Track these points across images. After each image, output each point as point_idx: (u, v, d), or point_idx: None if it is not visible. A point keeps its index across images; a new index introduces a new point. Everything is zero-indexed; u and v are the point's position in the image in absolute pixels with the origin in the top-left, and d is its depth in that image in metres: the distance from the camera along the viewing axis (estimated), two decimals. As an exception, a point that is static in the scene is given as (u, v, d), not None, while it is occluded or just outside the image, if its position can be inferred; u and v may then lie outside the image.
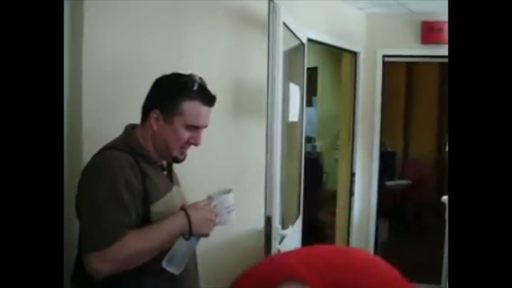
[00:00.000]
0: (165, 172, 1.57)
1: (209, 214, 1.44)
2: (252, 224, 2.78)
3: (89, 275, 1.32)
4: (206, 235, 1.45)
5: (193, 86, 1.45)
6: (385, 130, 4.44)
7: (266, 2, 2.31)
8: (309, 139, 5.42)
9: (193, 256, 1.61)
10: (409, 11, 4.09)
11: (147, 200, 1.39)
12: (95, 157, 1.42)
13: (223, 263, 2.80)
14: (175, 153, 1.50)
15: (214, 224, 1.46)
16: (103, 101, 1.99)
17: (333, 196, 4.85)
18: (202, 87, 1.49)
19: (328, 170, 5.66)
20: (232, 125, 2.70)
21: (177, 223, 1.39)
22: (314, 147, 5.82)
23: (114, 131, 1.56)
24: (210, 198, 1.47)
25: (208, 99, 1.50)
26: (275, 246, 2.33)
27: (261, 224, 2.35)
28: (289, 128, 2.98)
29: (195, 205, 1.45)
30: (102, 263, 1.27)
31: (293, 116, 3.04)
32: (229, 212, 1.49)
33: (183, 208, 1.42)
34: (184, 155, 1.54)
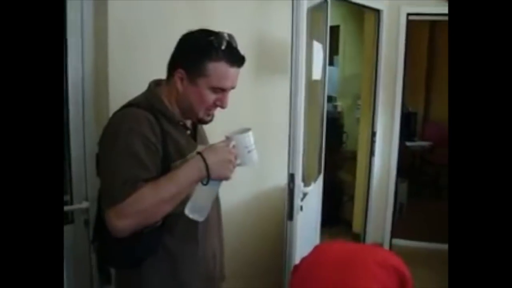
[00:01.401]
0: (188, 132, 1.52)
1: (228, 155, 1.35)
2: (276, 181, 2.82)
3: (111, 238, 1.31)
4: (226, 177, 1.37)
5: (220, 45, 1.36)
6: (406, 91, 4.37)
7: (291, -42, 2.26)
8: (330, 99, 5.37)
9: (217, 204, 1.61)
10: (435, -34, 3.96)
11: (167, 158, 1.36)
12: (115, 114, 1.40)
13: (247, 219, 2.87)
14: (201, 114, 1.45)
15: (234, 166, 1.38)
16: (129, 62, 2.01)
17: (353, 156, 4.87)
18: (230, 46, 1.40)
19: (349, 130, 5.64)
20: (255, 83, 2.70)
21: (194, 168, 1.32)
22: (335, 106, 5.78)
23: (140, 91, 1.53)
24: (228, 139, 1.39)
25: (236, 59, 1.41)
26: (298, 203, 2.37)
27: (284, 181, 2.38)
28: (311, 86, 2.97)
29: (211, 147, 1.37)
30: (122, 218, 1.25)
31: (316, 75, 3.02)
32: (249, 152, 1.40)
33: (199, 152, 1.35)
34: (211, 116, 1.48)
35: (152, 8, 2.08)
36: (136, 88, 1.55)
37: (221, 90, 1.42)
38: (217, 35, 1.39)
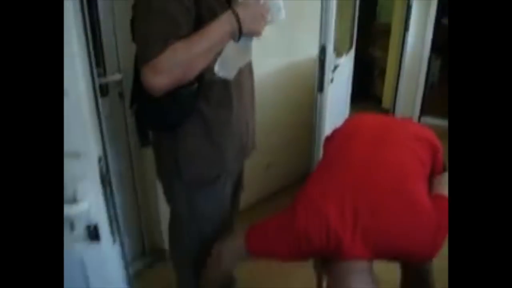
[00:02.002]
0: None
1: (259, 9, 1.37)
2: (307, 52, 2.79)
3: (148, 101, 1.35)
4: (257, 33, 1.40)
5: None
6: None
7: None
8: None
9: (250, 73, 1.63)
10: None
11: (200, 19, 1.35)
12: None
13: (278, 90, 2.90)
14: None
15: (266, 22, 1.40)
16: None
17: (387, 29, 4.69)
18: None
19: (383, 2, 5.34)
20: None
21: (226, 22, 1.32)
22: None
23: None
24: None
25: None
26: (328, 75, 2.35)
27: (315, 53, 2.34)
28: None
29: (243, 2, 1.37)
30: (157, 75, 1.26)
31: None
32: (279, 10, 1.42)
33: (231, 7, 1.35)
34: None
35: None
36: None
37: None
38: None
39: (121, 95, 2.14)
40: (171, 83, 1.30)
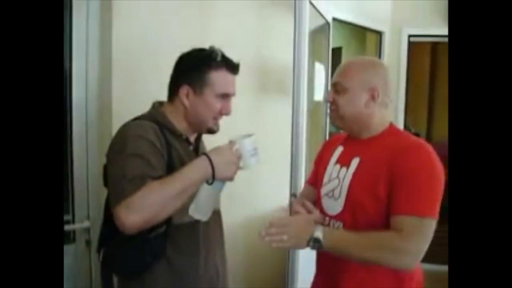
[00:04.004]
0: (191, 147, 1.57)
1: (232, 156, 1.41)
2: (277, 201, 2.82)
3: (117, 243, 1.37)
4: (230, 178, 1.43)
5: (217, 56, 1.48)
6: (409, 111, 4.39)
7: (293, -19, 2.31)
8: (332, 119, 5.36)
9: (219, 222, 1.65)
10: (436, -11, 4.02)
11: (171, 166, 1.40)
12: (122, 126, 1.45)
13: (248, 237, 2.85)
14: (210, 124, 1.52)
15: (237, 168, 1.44)
16: (133, 81, 2.04)
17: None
18: (225, 56, 1.51)
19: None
20: (257, 103, 2.73)
21: (199, 166, 1.36)
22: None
23: (144, 110, 1.57)
24: (231, 143, 1.45)
25: (233, 67, 1.52)
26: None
27: (286, 201, 2.38)
28: (313, 107, 2.99)
29: (216, 148, 1.43)
30: (131, 213, 1.25)
31: (318, 96, 3.05)
32: (252, 155, 1.47)
33: (205, 153, 1.40)
34: (217, 125, 1.55)
35: (156, 27, 2.13)
36: (141, 106, 1.59)
37: (225, 97, 1.51)
38: (211, 49, 1.51)
39: (88, 242, 2.09)
40: (145, 222, 1.29)
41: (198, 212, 1.43)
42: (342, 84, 1.51)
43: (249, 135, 1.47)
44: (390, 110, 1.55)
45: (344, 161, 1.54)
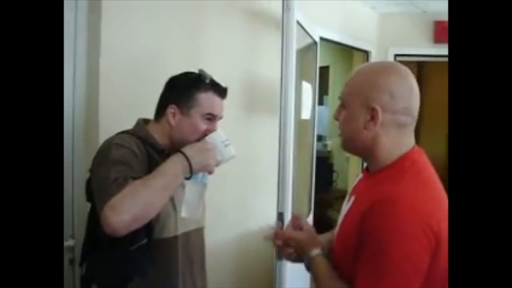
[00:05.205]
0: None
1: (204, 145, 1.48)
2: (264, 220, 2.80)
3: (99, 256, 1.39)
4: (207, 166, 1.48)
5: (205, 79, 1.54)
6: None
7: (280, 1, 2.33)
8: (320, 138, 5.41)
9: (201, 243, 1.67)
10: (421, 10, 4.09)
11: None
12: (104, 141, 1.49)
13: (234, 259, 2.83)
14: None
15: (217, 162, 1.50)
16: (120, 97, 2.03)
17: (343, 195, 4.83)
18: (213, 80, 1.56)
19: (339, 169, 5.65)
20: (245, 122, 2.73)
21: (176, 161, 1.41)
22: (325, 145, 5.81)
23: (131, 125, 1.59)
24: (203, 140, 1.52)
25: (221, 90, 1.57)
26: (287, 242, 2.35)
27: (273, 220, 2.37)
28: (301, 126, 3.00)
29: (189, 144, 1.48)
30: (117, 214, 1.26)
31: (305, 114, 3.06)
32: (226, 146, 1.52)
33: (179, 150, 1.45)
34: None
35: (144, 42, 2.13)
36: (127, 122, 1.60)
37: (211, 119, 1.55)
38: (200, 72, 1.56)
39: (71, 261, 2.06)
40: (132, 221, 1.29)
41: (188, 210, 1.50)
42: (342, 96, 1.26)
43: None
44: (410, 131, 1.23)
45: (350, 195, 1.31)
